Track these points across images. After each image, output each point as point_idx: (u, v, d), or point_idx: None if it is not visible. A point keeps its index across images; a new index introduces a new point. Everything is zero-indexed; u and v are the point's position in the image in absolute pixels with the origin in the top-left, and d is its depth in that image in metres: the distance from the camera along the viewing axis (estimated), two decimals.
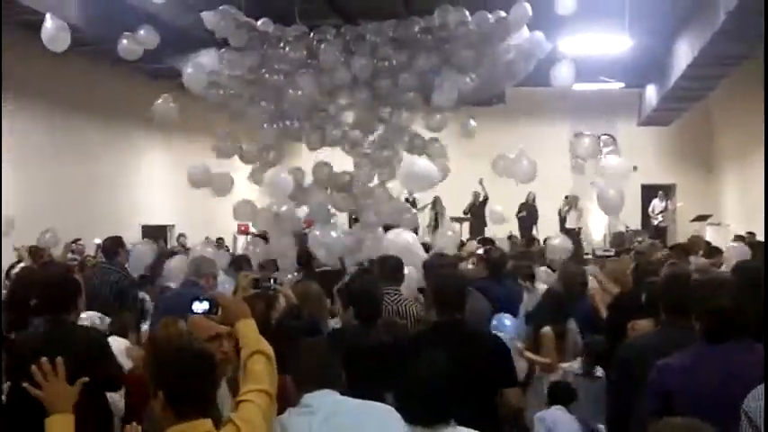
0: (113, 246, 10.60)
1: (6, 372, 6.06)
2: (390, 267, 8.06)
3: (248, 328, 4.23)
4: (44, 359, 4.04)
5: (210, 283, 8.56)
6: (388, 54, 13.42)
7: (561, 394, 7.50)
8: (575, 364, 8.05)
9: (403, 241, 10.96)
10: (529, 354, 8.49)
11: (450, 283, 6.23)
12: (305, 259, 12.08)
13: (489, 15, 13.70)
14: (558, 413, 7.27)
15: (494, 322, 8.53)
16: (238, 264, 11.35)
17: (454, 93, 13.03)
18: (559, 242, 14.02)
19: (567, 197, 25.88)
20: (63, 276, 7.10)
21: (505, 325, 8.66)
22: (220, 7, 13.75)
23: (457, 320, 5.93)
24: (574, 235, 24.13)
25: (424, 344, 5.63)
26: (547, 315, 8.84)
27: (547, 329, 8.56)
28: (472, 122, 14.74)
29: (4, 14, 15.78)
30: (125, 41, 13.54)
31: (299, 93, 13.08)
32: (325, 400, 4.24)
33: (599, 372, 7.76)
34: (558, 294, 9.31)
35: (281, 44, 13.63)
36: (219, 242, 21.38)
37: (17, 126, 17.58)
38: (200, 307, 4.43)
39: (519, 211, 25.47)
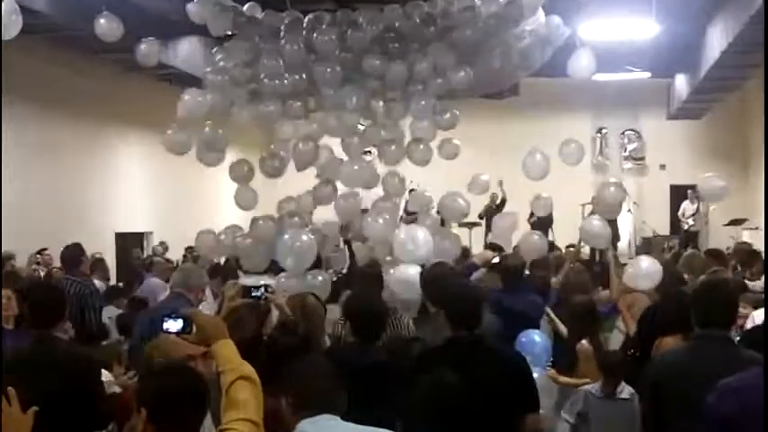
0: (73, 254, 10.59)
1: None
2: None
3: (227, 350, 4.17)
4: None
5: (200, 296, 8.49)
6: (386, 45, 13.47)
7: None
8: (596, 385, 7.96)
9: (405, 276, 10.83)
10: (565, 379, 8.43)
11: (467, 294, 6.22)
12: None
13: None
14: None
15: (521, 339, 8.47)
16: (225, 272, 11.32)
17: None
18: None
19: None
20: (51, 288, 7.03)
21: (535, 342, 8.61)
22: None
23: (474, 337, 5.91)
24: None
25: (436, 362, 5.58)
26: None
27: (584, 343, 8.48)
28: (455, 112, 14.59)
29: None
30: (102, 21, 13.44)
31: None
32: (325, 427, 4.23)
33: (625, 392, 7.69)
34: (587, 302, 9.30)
35: (276, 34, 13.67)
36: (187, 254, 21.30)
37: None
38: (172, 325, 4.30)
39: (530, 216, 25.29)
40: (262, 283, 6.04)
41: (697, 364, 5.20)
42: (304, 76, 13.31)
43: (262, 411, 4.03)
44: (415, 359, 6.17)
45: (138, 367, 6.76)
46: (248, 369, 4.11)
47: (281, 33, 13.70)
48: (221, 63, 14.03)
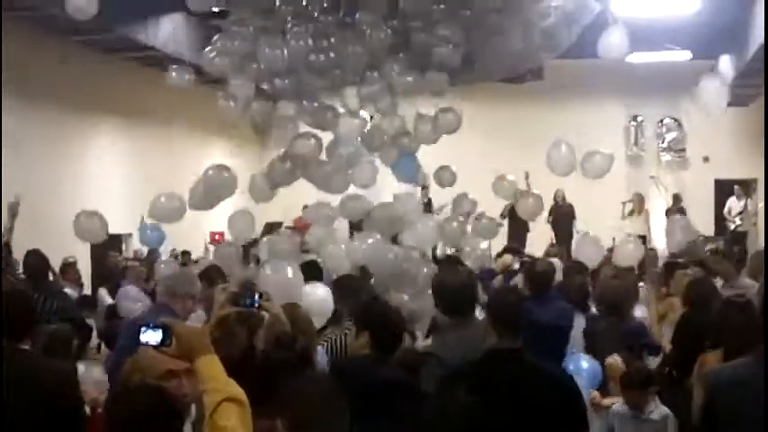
0: (40, 263, 10.61)
1: None
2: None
3: (212, 367, 4.12)
4: None
5: (188, 306, 8.43)
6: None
7: None
8: (623, 404, 7.97)
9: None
10: (608, 400, 8.44)
11: (511, 300, 6.26)
12: None
13: None
14: None
15: (569, 366, 8.37)
16: (209, 276, 11.28)
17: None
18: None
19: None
20: (19, 295, 7.03)
21: (582, 369, 8.55)
22: None
23: (515, 350, 5.90)
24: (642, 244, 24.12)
25: (471, 379, 5.62)
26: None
27: (614, 359, 8.49)
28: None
29: None
30: None
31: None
32: None
33: (656, 413, 7.72)
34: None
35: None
36: (185, 257, 21.32)
37: None
38: (151, 337, 4.20)
39: (549, 215, 25.19)
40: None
41: (758, 386, 5.24)
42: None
43: None
44: (438, 375, 6.15)
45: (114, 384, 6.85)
46: (236, 390, 4.06)
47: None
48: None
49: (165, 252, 21.45)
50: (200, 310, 9.02)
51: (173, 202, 12.92)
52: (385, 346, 6.37)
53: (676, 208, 26.87)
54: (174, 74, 13.71)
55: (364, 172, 13.52)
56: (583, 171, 13.68)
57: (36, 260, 10.68)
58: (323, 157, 13.32)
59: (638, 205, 25.90)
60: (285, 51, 12.76)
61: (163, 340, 4.17)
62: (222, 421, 3.92)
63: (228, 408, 3.96)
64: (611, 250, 14.77)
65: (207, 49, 14.04)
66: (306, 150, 13.13)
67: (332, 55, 12.84)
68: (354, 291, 9.11)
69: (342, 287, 9.41)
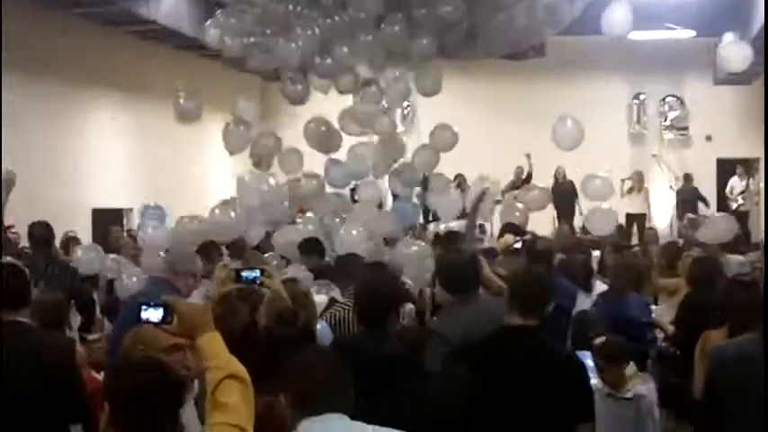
0: (45, 233, 10.63)
1: None
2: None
3: (214, 345, 4.11)
4: None
5: (190, 283, 8.41)
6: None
7: None
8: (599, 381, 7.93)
9: None
10: None
11: (537, 280, 6.24)
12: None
13: None
14: None
15: None
16: (206, 252, 11.27)
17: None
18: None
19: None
20: (14, 267, 7.03)
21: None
22: None
23: (529, 328, 5.88)
24: (640, 221, 24.19)
25: (479, 355, 5.73)
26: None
27: (600, 341, 8.46)
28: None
29: None
30: None
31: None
32: (332, 428, 4.19)
33: (630, 392, 7.70)
34: None
35: None
36: None
37: None
38: (152, 314, 4.17)
39: (551, 192, 25.07)
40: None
41: (759, 361, 5.31)
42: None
43: (252, 415, 3.99)
44: (442, 352, 6.20)
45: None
46: (238, 367, 4.05)
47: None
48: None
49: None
50: (202, 287, 9.02)
51: None
52: (370, 320, 6.38)
53: (689, 187, 26.85)
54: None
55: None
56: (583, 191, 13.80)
57: (41, 231, 10.69)
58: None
59: (638, 183, 25.90)
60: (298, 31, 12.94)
61: (164, 318, 4.14)
62: (224, 398, 3.92)
63: (230, 385, 3.95)
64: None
65: (209, 24, 14.05)
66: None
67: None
68: (355, 268, 9.10)
69: (345, 264, 9.42)
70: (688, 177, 27.38)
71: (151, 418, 3.79)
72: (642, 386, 7.76)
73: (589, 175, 13.85)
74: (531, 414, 5.47)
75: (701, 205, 26.25)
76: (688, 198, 26.61)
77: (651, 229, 20.91)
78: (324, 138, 14.22)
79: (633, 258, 12.10)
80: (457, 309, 6.94)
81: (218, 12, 14.28)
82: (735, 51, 14.17)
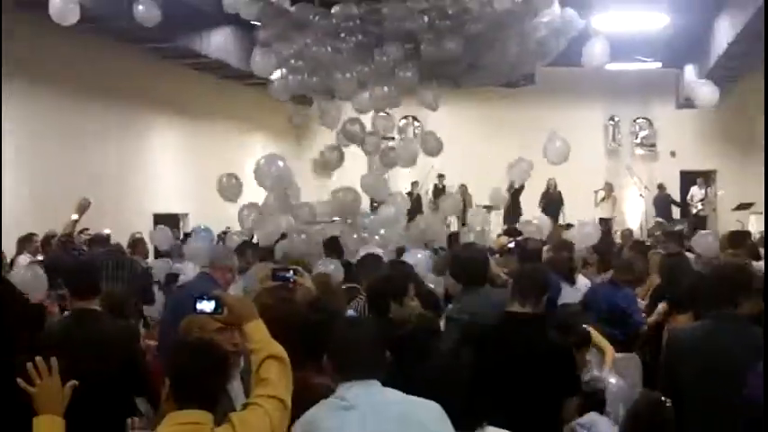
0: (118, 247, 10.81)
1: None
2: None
3: (257, 331, 4.14)
4: (39, 358, 4.04)
5: (227, 276, 8.38)
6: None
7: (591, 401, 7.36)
8: None
9: None
10: None
11: (535, 274, 6.24)
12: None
13: None
14: (595, 417, 7.14)
15: None
16: (242, 250, 11.33)
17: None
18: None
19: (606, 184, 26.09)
20: (87, 263, 7.07)
21: None
22: None
23: (528, 314, 5.87)
24: (607, 224, 24.27)
25: (482, 337, 5.76)
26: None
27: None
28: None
29: None
30: (141, 7, 13.45)
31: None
32: (363, 394, 4.10)
33: (587, 376, 7.57)
34: None
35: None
36: (226, 232, 21.28)
37: (18, 109, 17.63)
38: (205, 306, 4.24)
39: (540, 201, 25.33)
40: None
41: (713, 341, 5.28)
42: None
43: (290, 388, 4.03)
44: (455, 336, 6.20)
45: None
46: (278, 348, 4.09)
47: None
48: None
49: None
50: (240, 281, 9.05)
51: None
52: (378, 308, 6.38)
53: (663, 194, 27.24)
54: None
55: None
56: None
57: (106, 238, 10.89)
58: None
59: (608, 193, 26.40)
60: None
61: (215, 309, 4.20)
62: (265, 374, 3.98)
63: (271, 363, 4.00)
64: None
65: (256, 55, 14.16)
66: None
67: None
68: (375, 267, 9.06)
69: (364, 264, 9.41)
70: (661, 186, 27.53)
71: (204, 390, 3.81)
72: (598, 374, 7.52)
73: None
74: (527, 388, 5.47)
75: (673, 208, 26.86)
76: (662, 204, 26.83)
77: (628, 230, 20.92)
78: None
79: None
80: (468, 298, 6.94)
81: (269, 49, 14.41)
82: (705, 90, 14.19)
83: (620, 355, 8.01)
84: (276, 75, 14.39)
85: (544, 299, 6.00)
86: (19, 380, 4.03)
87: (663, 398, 5.34)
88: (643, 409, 5.40)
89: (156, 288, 11.55)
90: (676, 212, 27.25)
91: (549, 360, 5.68)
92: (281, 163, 12.47)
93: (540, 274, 6.28)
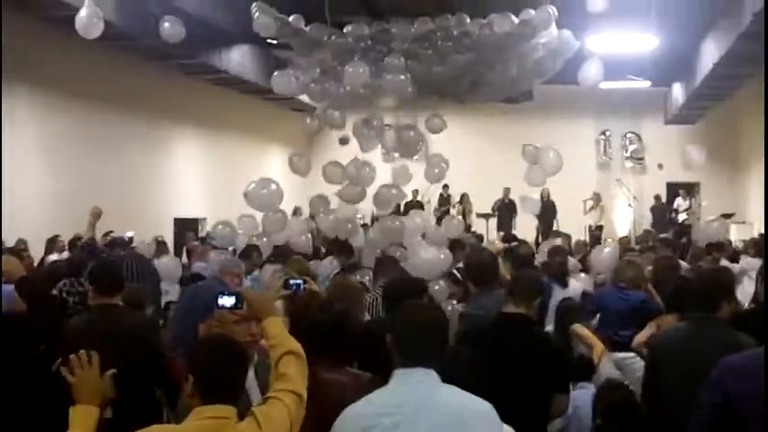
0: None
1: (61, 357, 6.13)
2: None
3: (276, 327, 4.15)
4: (82, 351, 4.06)
5: (235, 281, 8.48)
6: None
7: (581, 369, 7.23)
8: None
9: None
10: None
11: (528, 276, 6.30)
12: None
13: (513, 18, 13.78)
14: (582, 392, 7.00)
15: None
16: (247, 254, 11.36)
17: None
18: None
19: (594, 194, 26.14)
20: (111, 262, 7.15)
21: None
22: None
23: (521, 315, 5.86)
24: (596, 232, 24.33)
25: (481, 335, 5.79)
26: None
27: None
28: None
29: (37, 10, 15.86)
30: (167, 24, 13.47)
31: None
32: (412, 392, 3.82)
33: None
34: None
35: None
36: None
37: (48, 121, 17.67)
38: (227, 301, 4.31)
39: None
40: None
41: (693, 342, 5.28)
42: None
43: (306, 384, 4.01)
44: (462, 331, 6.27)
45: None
46: (295, 344, 4.09)
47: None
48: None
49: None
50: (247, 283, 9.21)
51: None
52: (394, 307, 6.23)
53: (660, 205, 27.60)
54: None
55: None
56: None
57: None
58: None
59: (596, 202, 26.44)
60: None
61: (236, 304, 4.27)
62: (283, 369, 3.97)
63: (289, 359, 4.01)
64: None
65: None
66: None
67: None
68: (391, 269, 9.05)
69: (382, 263, 9.44)
70: (658, 197, 27.79)
71: (229, 385, 3.79)
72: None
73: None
74: (519, 383, 5.48)
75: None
76: (659, 213, 27.07)
77: (625, 237, 21.00)
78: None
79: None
80: (480, 297, 7.13)
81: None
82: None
83: (621, 354, 8.01)
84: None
85: (537, 302, 6.01)
86: (62, 369, 4.05)
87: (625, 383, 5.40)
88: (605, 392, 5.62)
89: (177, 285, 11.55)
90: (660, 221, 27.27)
91: (541, 357, 5.67)
92: (273, 186, 12.36)
93: (535, 278, 6.31)
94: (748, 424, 4.31)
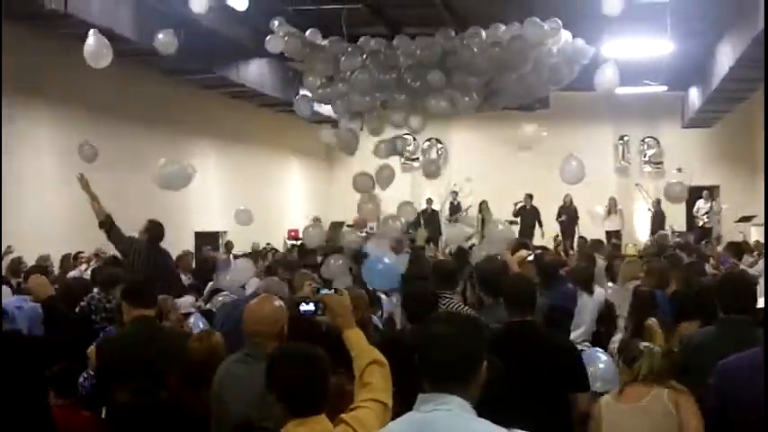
0: (159, 231, 12.06)
1: (96, 372, 6.44)
2: (445, 272, 8.00)
3: (357, 337, 4.23)
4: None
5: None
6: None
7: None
8: None
9: None
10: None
11: (522, 284, 6.38)
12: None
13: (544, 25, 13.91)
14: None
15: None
16: (272, 271, 11.38)
17: None
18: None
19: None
20: (147, 277, 7.30)
21: (600, 359, 7.94)
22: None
23: (528, 323, 5.99)
24: (614, 237, 24.30)
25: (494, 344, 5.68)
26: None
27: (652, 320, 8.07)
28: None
29: (54, 25, 15.97)
30: (161, 36, 13.53)
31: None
32: (431, 420, 3.16)
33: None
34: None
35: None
36: (265, 248, 21.33)
37: (67, 136, 17.78)
38: (306, 308, 4.51)
39: (558, 215, 25.46)
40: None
41: (723, 345, 5.22)
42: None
43: (390, 392, 4.03)
44: None
45: None
46: (378, 354, 4.16)
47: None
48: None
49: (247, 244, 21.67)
50: None
51: None
52: (414, 316, 6.43)
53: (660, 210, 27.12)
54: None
55: None
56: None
57: (155, 227, 11.86)
58: None
59: (613, 207, 26.33)
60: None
61: (315, 310, 4.46)
62: (368, 379, 4.03)
63: (373, 369, 4.07)
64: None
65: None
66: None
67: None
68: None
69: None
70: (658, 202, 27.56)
71: (320, 395, 3.90)
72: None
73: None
74: (532, 386, 5.57)
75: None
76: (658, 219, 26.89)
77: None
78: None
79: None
80: (494, 308, 7.21)
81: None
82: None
83: None
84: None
85: (534, 307, 6.13)
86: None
87: None
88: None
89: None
90: (680, 225, 27.21)
91: (546, 358, 5.79)
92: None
93: (529, 290, 6.30)
94: (749, 424, 4.33)
